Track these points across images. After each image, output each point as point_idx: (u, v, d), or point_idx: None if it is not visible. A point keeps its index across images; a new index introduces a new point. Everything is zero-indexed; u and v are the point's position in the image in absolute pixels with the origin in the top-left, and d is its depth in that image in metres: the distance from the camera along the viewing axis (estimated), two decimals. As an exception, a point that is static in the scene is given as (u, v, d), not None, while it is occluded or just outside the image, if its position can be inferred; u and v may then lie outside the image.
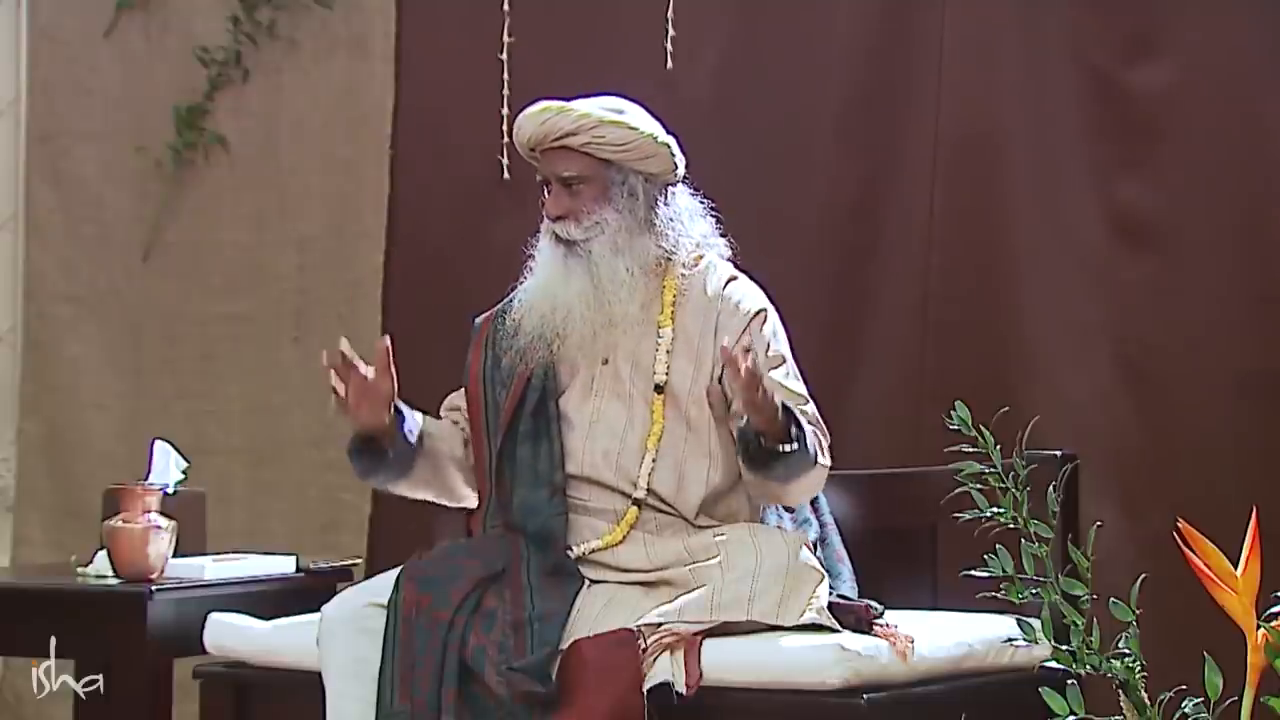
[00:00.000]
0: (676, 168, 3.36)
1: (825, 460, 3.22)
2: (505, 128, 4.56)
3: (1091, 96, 4.03)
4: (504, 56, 4.59)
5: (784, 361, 3.31)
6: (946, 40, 4.16)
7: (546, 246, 3.35)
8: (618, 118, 3.31)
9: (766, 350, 3.29)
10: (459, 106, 4.67)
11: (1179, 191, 3.95)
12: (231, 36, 4.89)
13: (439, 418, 3.48)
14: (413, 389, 4.62)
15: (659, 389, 3.28)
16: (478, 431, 3.38)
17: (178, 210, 4.96)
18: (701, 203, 3.40)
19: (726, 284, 3.35)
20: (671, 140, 3.35)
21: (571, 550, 3.20)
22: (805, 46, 4.33)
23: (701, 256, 3.37)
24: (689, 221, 3.37)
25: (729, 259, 3.41)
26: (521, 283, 3.42)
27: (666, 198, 3.35)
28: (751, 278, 3.39)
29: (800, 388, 3.28)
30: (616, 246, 3.30)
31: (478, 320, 3.49)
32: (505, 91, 4.57)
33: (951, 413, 2.72)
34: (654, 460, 3.25)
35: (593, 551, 3.21)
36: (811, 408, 3.26)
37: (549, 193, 3.34)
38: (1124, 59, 4.02)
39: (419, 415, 3.39)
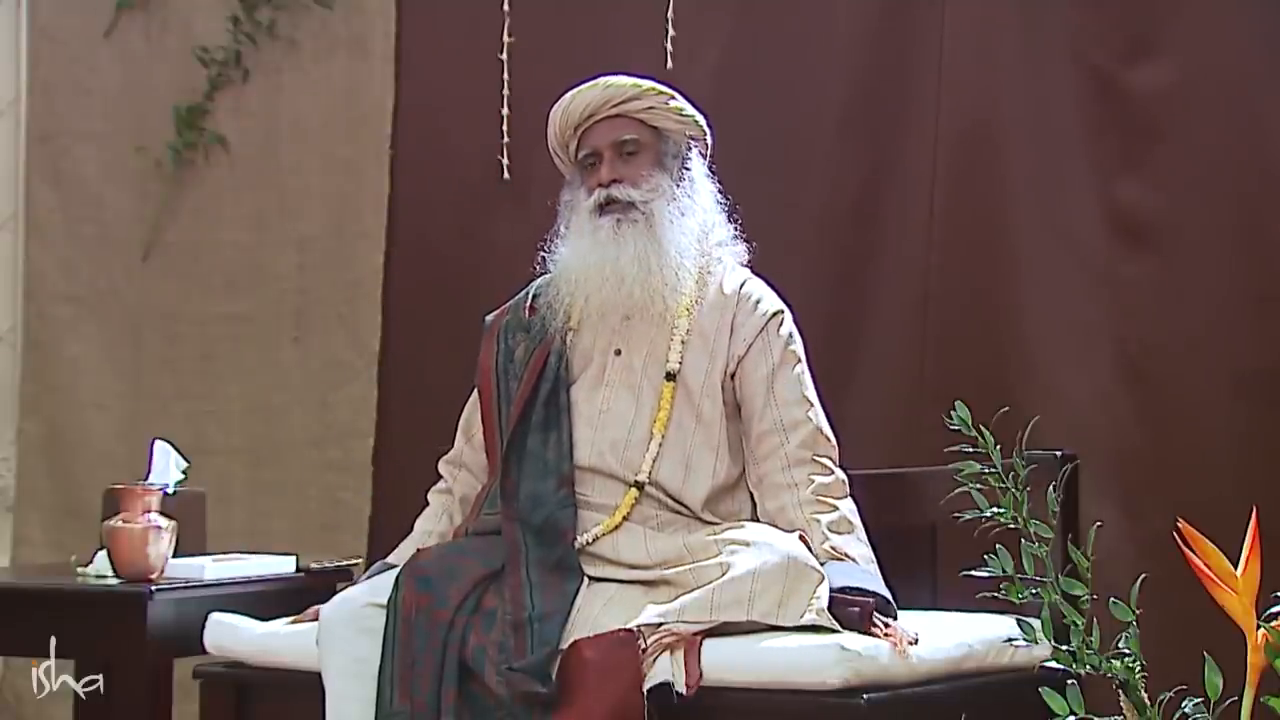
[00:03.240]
0: (709, 160, 3.41)
1: (841, 475, 3.30)
2: (505, 128, 4.56)
3: (1091, 96, 4.03)
4: (504, 56, 4.59)
5: (799, 361, 3.33)
6: (946, 40, 4.16)
7: (587, 220, 3.34)
8: (673, 92, 3.40)
9: (786, 345, 3.33)
10: (459, 106, 4.68)
11: (1179, 191, 3.95)
12: (231, 36, 4.89)
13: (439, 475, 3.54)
14: (412, 388, 4.66)
15: (670, 376, 3.29)
16: (489, 425, 3.39)
17: (178, 210, 4.96)
18: (723, 204, 3.43)
19: (744, 284, 3.38)
20: (710, 131, 3.42)
21: (575, 542, 3.20)
22: (805, 46, 4.33)
23: (720, 259, 3.39)
24: (716, 213, 3.40)
25: (745, 263, 3.43)
26: (538, 274, 3.43)
27: (703, 184, 3.40)
28: (770, 284, 3.42)
29: (811, 393, 3.33)
30: (678, 212, 3.32)
31: (489, 318, 3.50)
32: (505, 91, 4.57)
33: (951, 413, 2.72)
34: (659, 447, 3.26)
35: (593, 541, 3.21)
36: (818, 415, 3.32)
37: (596, 165, 3.35)
38: (1124, 59, 4.02)
39: (403, 551, 3.42)
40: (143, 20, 5.02)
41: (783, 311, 3.37)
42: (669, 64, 4.37)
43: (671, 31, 4.41)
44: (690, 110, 3.42)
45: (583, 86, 3.39)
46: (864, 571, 3.16)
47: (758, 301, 3.36)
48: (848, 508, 3.28)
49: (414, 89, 4.74)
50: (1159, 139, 3.97)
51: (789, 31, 4.35)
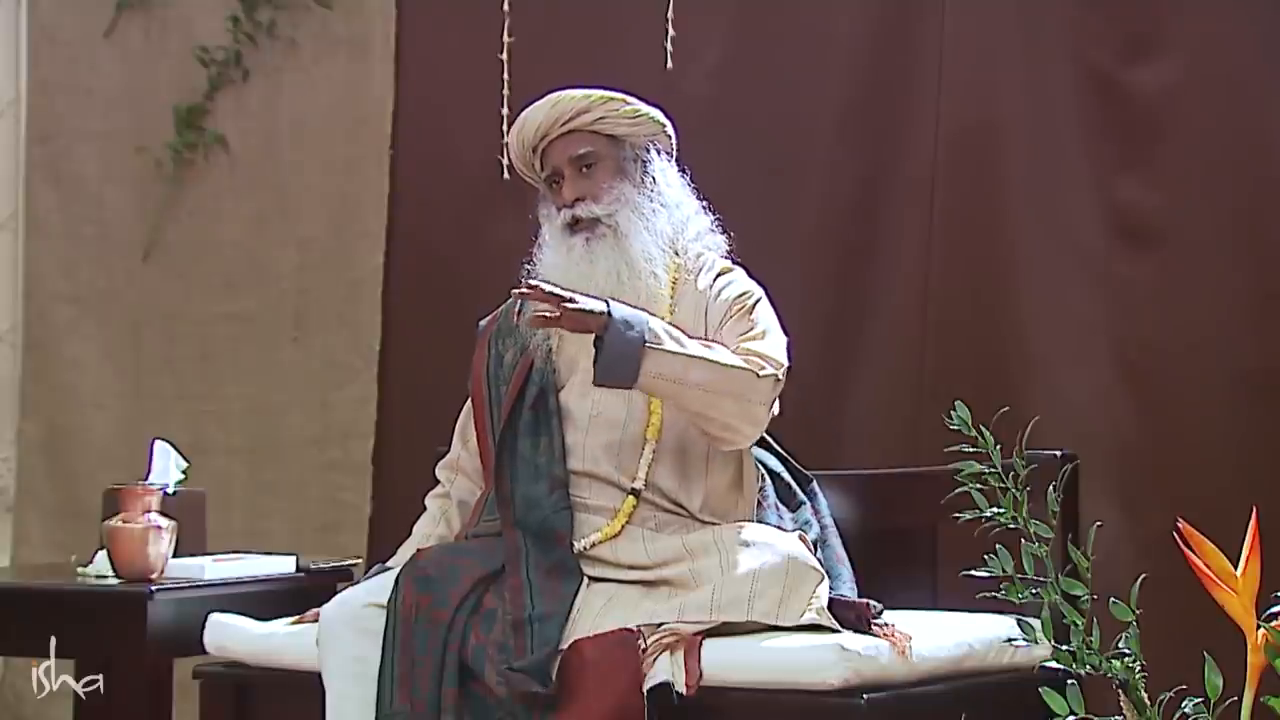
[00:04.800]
0: (674, 153, 3.40)
1: (753, 366, 3.16)
2: (505, 128, 4.56)
3: (1091, 96, 4.03)
4: (504, 56, 4.59)
5: (753, 323, 3.28)
6: (946, 40, 4.16)
7: (560, 240, 3.34)
8: (623, 96, 3.38)
9: (749, 312, 3.28)
10: (459, 106, 4.68)
11: (1179, 191, 3.95)
12: (231, 36, 4.89)
13: (437, 481, 3.54)
14: (412, 388, 4.66)
15: (657, 379, 3.28)
16: (482, 431, 3.39)
17: (178, 210, 4.96)
18: (699, 198, 3.42)
19: (717, 277, 3.37)
20: (669, 124, 3.41)
21: (573, 546, 3.20)
22: (805, 46, 4.33)
23: (700, 254, 3.39)
24: (690, 206, 3.40)
25: (726, 254, 3.42)
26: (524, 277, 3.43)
27: (669, 180, 3.39)
28: (750, 274, 3.40)
29: (777, 351, 3.24)
30: (643, 217, 3.32)
31: (482, 323, 3.51)
32: (505, 91, 4.57)
33: (951, 413, 2.72)
34: (654, 452, 3.26)
35: (593, 546, 3.21)
36: (772, 350, 3.22)
37: (559, 185, 3.36)
38: (1124, 59, 4.02)
39: (402, 555, 3.41)
40: (143, 20, 5.01)
41: (748, 292, 3.34)
42: (669, 64, 4.37)
43: (671, 31, 4.41)
44: (644, 109, 3.40)
45: (534, 105, 3.39)
46: (636, 315, 3.10)
47: (723, 289, 3.34)
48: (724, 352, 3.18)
49: (414, 89, 4.74)
50: (1159, 139, 3.97)
51: (789, 32, 4.34)
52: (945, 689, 3.10)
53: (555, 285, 3.12)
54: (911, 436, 4.07)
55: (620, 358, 3.09)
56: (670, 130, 3.44)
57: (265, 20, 4.87)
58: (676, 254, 3.37)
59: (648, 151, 3.40)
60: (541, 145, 3.39)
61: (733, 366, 3.16)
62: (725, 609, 3.01)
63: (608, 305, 3.10)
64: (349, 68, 4.81)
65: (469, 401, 3.48)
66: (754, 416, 3.21)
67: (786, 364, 3.24)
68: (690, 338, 3.18)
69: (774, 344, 3.25)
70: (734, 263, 3.42)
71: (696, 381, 3.14)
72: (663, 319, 3.26)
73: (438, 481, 3.55)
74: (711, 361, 3.15)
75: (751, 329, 3.27)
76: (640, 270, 3.30)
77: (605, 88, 3.40)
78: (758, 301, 3.33)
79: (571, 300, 3.09)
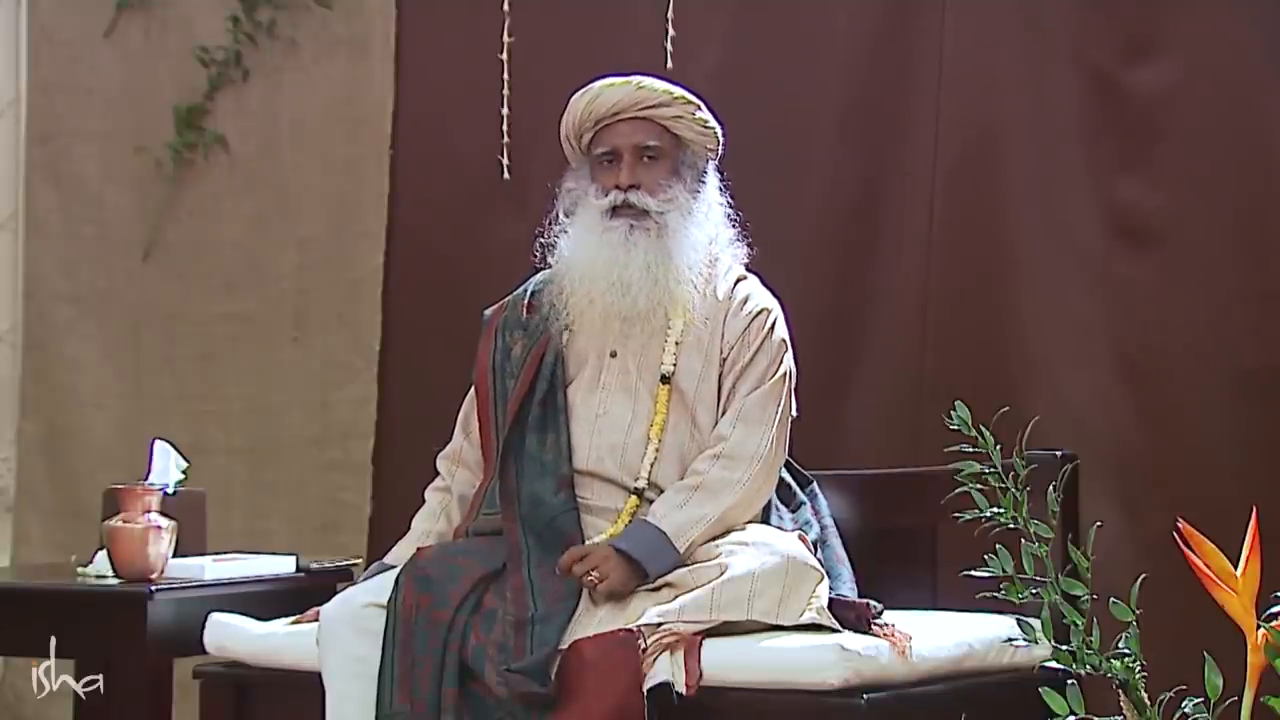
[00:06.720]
0: (720, 170, 3.42)
1: (740, 476, 3.22)
2: (505, 128, 4.56)
3: (1091, 96, 4.03)
4: (504, 56, 4.59)
5: (762, 374, 3.31)
6: (946, 40, 4.16)
7: (597, 220, 3.32)
8: (698, 102, 3.38)
9: (762, 344, 3.31)
10: (459, 106, 4.68)
11: (1179, 191, 3.95)
12: (231, 36, 4.89)
13: (437, 471, 3.52)
14: (412, 388, 4.66)
15: (665, 379, 3.28)
16: (485, 423, 3.38)
17: (178, 210, 4.96)
18: (728, 206, 3.43)
19: (736, 284, 3.37)
20: (723, 143, 3.43)
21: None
22: (805, 47, 4.33)
23: (719, 260, 3.39)
24: (724, 221, 3.40)
25: (745, 264, 3.43)
26: (537, 269, 3.43)
27: (715, 196, 3.41)
28: (764, 283, 3.41)
29: (763, 411, 3.28)
30: (691, 224, 3.32)
31: (487, 312, 3.50)
32: (505, 91, 4.57)
33: (951, 413, 2.72)
34: (657, 451, 3.26)
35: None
36: (764, 421, 3.27)
37: (612, 165, 3.33)
38: (1124, 59, 4.02)
39: (400, 552, 3.41)
40: (143, 20, 5.01)
41: (767, 310, 3.35)
42: (669, 64, 4.37)
43: (671, 31, 4.41)
44: (713, 122, 3.40)
45: (613, 81, 3.36)
46: (653, 540, 3.14)
47: (745, 299, 3.35)
48: (714, 475, 3.22)
49: (414, 89, 4.74)
50: (1159, 139, 3.97)
51: (789, 32, 4.34)
52: (945, 689, 3.10)
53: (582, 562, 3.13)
54: (911, 436, 4.06)
55: (662, 566, 3.13)
56: (722, 150, 3.43)
57: (265, 20, 4.87)
58: (707, 263, 3.36)
59: (705, 162, 3.40)
60: (609, 122, 3.35)
61: (739, 491, 3.21)
62: (725, 608, 3.01)
63: (623, 552, 3.12)
64: (349, 68, 4.81)
65: (472, 391, 3.47)
66: (771, 484, 3.29)
67: (781, 418, 3.27)
68: (690, 499, 3.20)
69: (768, 414, 3.27)
70: (751, 272, 3.43)
71: (727, 524, 3.19)
72: (676, 320, 3.27)
73: (438, 474, 3.54)
74: (726, 511, 3.19)
75: (759, 385, 3.29)
76: (676, 273, 3.30)
77: (684, 86, 3.40)
78: (774, 322, 3.34)
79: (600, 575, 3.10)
